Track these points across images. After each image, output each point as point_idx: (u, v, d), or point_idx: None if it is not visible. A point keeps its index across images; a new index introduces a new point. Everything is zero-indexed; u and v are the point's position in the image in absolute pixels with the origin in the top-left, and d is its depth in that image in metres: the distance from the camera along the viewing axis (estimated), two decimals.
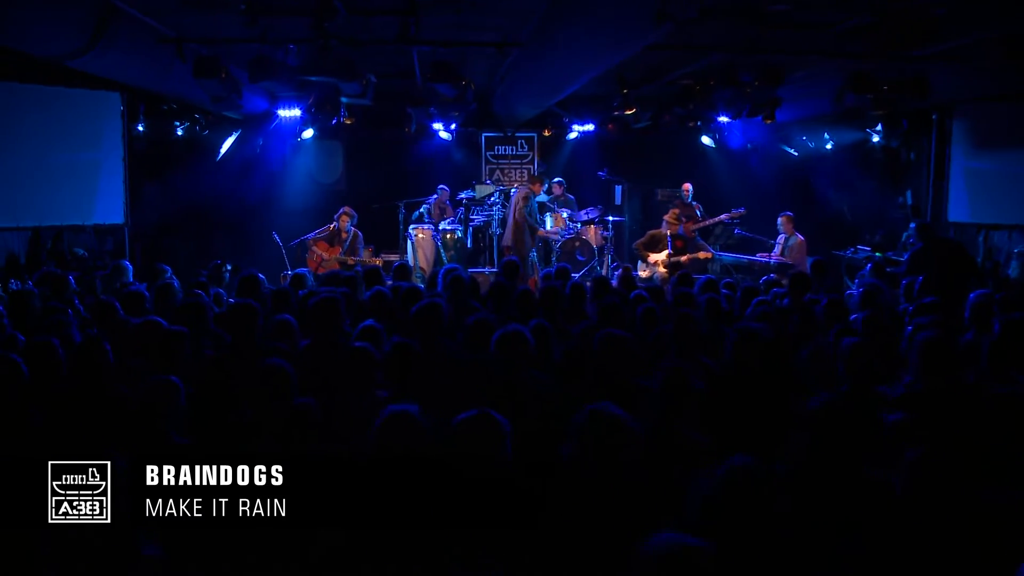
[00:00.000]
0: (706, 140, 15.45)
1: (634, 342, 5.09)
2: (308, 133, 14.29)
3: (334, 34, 6.78)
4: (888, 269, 9.67)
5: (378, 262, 11.72)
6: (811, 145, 15.21)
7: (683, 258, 11.27)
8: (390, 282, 8.97)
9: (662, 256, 11.48)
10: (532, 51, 8.44)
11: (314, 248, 11.63)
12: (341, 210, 11.79)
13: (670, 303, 8.43)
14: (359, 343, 4.88)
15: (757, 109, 9.04)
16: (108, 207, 11.01)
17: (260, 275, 7.48)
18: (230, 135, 14.27)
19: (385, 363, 4.53)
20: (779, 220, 11.76)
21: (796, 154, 15.36)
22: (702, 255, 11.43)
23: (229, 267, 9.33)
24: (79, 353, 4.73)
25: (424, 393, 4.37)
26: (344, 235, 11.71)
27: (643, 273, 11.68)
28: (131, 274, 9.45)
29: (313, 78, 7.18)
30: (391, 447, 3.36)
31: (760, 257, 11.72)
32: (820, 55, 8.36)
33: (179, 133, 13.98)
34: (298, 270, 8.97)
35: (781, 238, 11.79)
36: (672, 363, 4.31)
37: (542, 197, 13.97)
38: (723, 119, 13.66)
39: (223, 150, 14.28)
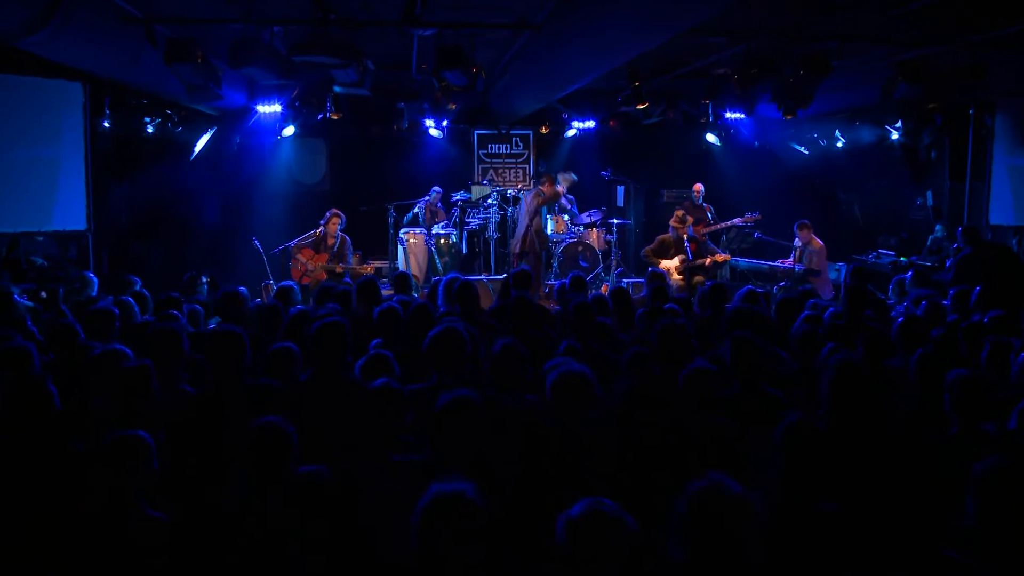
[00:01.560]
0: (711, 138, 14.60)
1: (721, 377, 4.19)
2: (289, 130, 13.34)
3: (332, 9, 5.82)
4: (934, 277, 8.83)
5: (368, 269, 10.76)
6: (823, 143, 14.41)
7: (705, 261, 10.38)
8: (387, 292, 8.02)
9: (675, 262, 10.59)
10: (548, 35, 7.53)
11: (298, 256, 10.63)
12: (329, 213, 10.80)
13: (701, 316, 7.59)
14: (379, 381, 3.92)
15: (798, 102, 8.17)
16: (69, 211, 9.91)
17: (242, 290, 6.51)
18: (205, 132, 13.25)
19: (436, 423, 3.51)
20: (795, 229, 10.92)
21: (807, 152, 14.55)
22: (719, 258, 10.55)
23: (205, 279, 8.31)
24: (13, 399, 3.73)
25: (461, 449, 3.44)
26: (331, 241, 10.73)
27: None
28: (96, 287, 8.44)
29: (308, 58, 6.21)
30: (445, 552, 2.42)
31: (782, 263, 10.87)
32: (870, 41, 7.51)
33: (150, 130, 12.96)
34: (284, 283, 7.98)
35: (798, 243, 10.95)
36: (795, 415, 3.38)
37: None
38: (733, 115, 12.88)
39: (197, 148, 13.30)
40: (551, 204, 11.51)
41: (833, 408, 4.12)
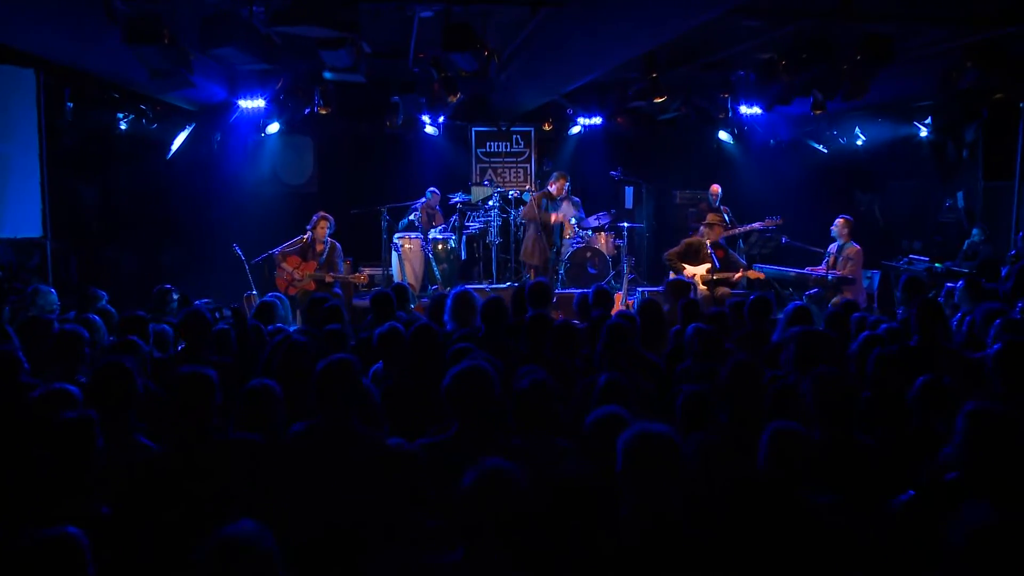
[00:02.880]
0: (724, 136, 13.73)
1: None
2: (274, 127, 12.39)
3: None
4: (986, 286, 7.92)
5: (362, 279, 9.80)
6: (842, 141, 13.54)
7: (734, 275, 9.46)
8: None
9: (701, 270, 9.66)
10: (571, 14, 6.60)
11: (283, 265, 9.65)
12: (316, 216, 9.83)
13: (741, 332, 6.69)
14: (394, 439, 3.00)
15: (852, 92, 7.24)
16: (22, 216, 8.83)
17: (206, 309, 5.58)
18: (182, 129, 12.27)
19: (466, 506, 2.58)
20: (835, 225, 10.01)
21: (826, 151, 13.68)
22: (752, 275, 9.63)
23: (177, 295, 7.34)
24: None
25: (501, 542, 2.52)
26: (320, 247, 9.76)
27: None
28: (55, 299, 7.44)
29: (292, 29, 5.24)
30: None
31: (814, 270, 9.96)
32: (931, 23, 6.61)
33: (123, 127, 11.99)
34: (268, 296, 7.03)
35: (834, 247, 10.05)
36: (974, 506, 2.46)
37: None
38: (750, 111, 12.00)
39: (174, 147, 12.34)
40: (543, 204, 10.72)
41: (972, 465, 3.21)
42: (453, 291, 6.78)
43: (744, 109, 12.07)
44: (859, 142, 13.43)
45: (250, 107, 11.46)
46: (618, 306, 10.44)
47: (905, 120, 12.35)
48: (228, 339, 5.85)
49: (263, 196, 13.00)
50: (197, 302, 7.37)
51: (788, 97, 8.17)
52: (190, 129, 12.28)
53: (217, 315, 6.55)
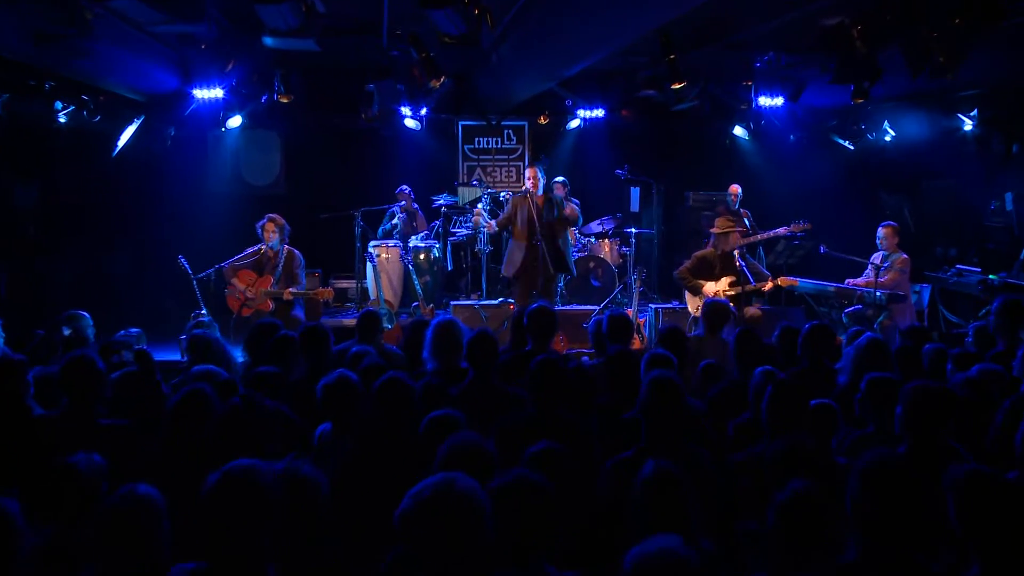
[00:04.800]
0: (739, 131, 12.31)
1: None
2: (235, 121, 10.97)
3: None
4: None
5: (327, 294, 8.32)
6: (870, 136, 12.14)
7: (764, 285, 8.05)
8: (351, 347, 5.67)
9: (722, 285, 8.25)
10: None
11: (234, 281, 8.18)
12: (263, 220, 8.38)
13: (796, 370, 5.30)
14: None
15: (945, 64, 5.81)
16: None
17: (98, 359, 4.16)
18: (130, 123, 10.77)
19: None
20: (880, 232, 8.64)
21: (852, 148, 12.29)
22: (783, 282, 8.22)
23: (68, 331, 5.86)
24: None
25: None
26: (274, 257, 8.31)
27: (696, 311, 8.45)
28: None
29: None
30: None
31: (859, 285, 8.54)
32: None
33: (62, 119, 10.47)
34: (197, 332, 5.59)
35: (877, 256, 8.66)
36: None
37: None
38: (770, 101, 10.58)
39: (121, 142, 10.80)
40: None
41: None
42: (434, 321, 5.38)
43: (764, 100, 10.68)
44: (887, 138, 12.03)
45: (207, 97, 9.98)
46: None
47: (946, 111, 10.95)
48: (132, 391, 4.42)
49: (224, 198, 11.57)
50: (119, 334, 5.91)
51: (847, 74, 6.77)
52: (139, 122, 10.79)
53: (116, 358, 5.18)
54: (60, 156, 10.66)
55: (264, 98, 9.62)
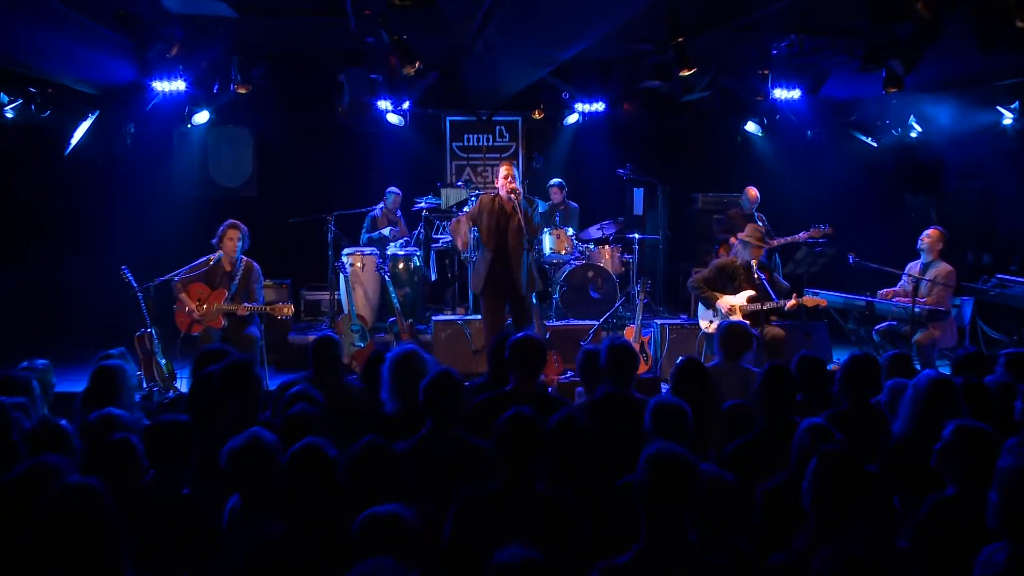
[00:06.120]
0: (751, 127, 11.31)
1: None
2: (202, 116, 10.00)
3: None
4: None
5: (286, 311, 7.28)
6: (895, 132, 11.13)
7: (787, 303, 7.03)
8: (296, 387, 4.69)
9: (740, 300, 7.24)
10: None
11: (183, 296, 7.17)
12: (224, 226, 7.38)
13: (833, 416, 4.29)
14: None
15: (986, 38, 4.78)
16: None
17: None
18: (84, 119, 9.80)
19: None
20: (924, 237, 7.62)
21: (876, 144, 11.28)
22: (809, 301, 7.19)
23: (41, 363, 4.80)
24: None
25: None
26: (230, 268, 7.31)
27: (708, 327, 7.45)
28: None
29: None
30: None
31: (895, 298, 7.51)
32: None
33: (8, 115, 9.49)
34: (109, 362, 4.60)
35: (915, 266, 7.64)
36: None
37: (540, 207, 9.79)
38: (787, 93, 9.59)
39: (74, 140, 9.85)
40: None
41: None
42: (391, 354, 4.41)
43: (780, 93, 9.70)
44: (914, 133, 11.01)
45: (168, 90, 9.04)
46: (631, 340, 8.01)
47: (982, 103, 9.91)
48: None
49: (191, 202, 10.60)
50: (21, 365, 4.90)
51: (880, 56, 5.77)
52: (93, 118, 9.84)
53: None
54: (5, 155, 9.73)
55: (232, 89, 8.63)
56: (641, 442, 3.23)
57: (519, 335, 4.54)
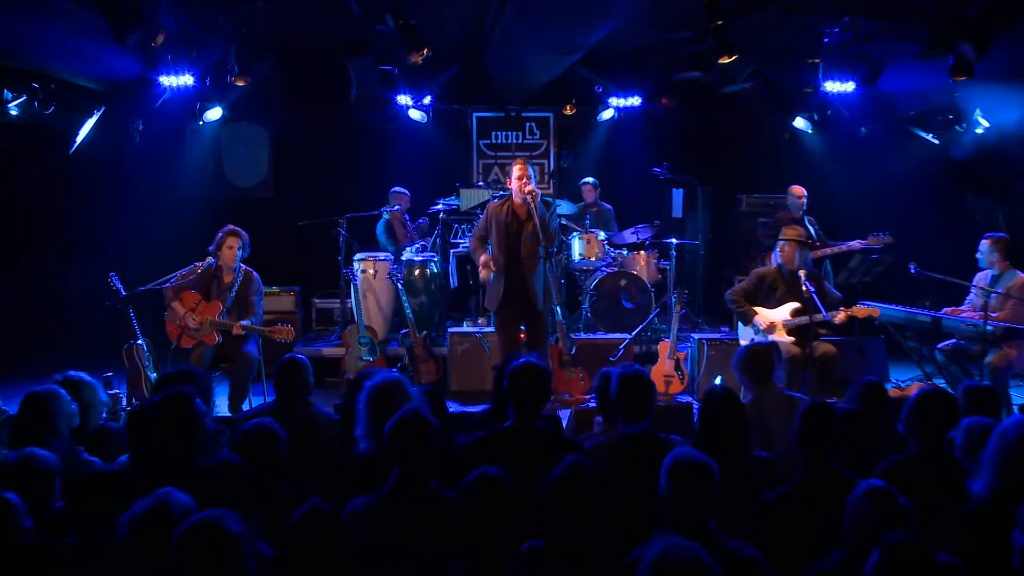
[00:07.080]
0: (800, 123, 10.49)
1: None
2: (215, 113, 9.48)
3: None
4: None
5: (285, 334, 6.59)
6: (958, 128, 10.24)
7: (837, 317, 6.23)
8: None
9: (784, 314, 6.46)
10: None
11: (174, 305, 6.59)
12: (222, 232, 6.79)
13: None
14: None
15: None
16: None
17: None
18: (89, 115, 9.34)
19: None
20: (983, 246, 6.78)
21: (937, 142, 10.39)
22: (860, 312, 6.38)
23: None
24: None
25: None
26: (227, 277, 6.72)
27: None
28: None
29: None
30: None
31: (971, 315, 6.65)
32: None
33: (13, 112, 9.07)
34: (38, 390, 3.99)
35: (984, 277, 6.79)
36: None
37: (565, 208, 9.10)
38: (840, 86, 8.82)
39: (79, 138, 9.39)
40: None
41: None
42: (369, 384, 3.76)
43: (832, 86, 8.94)
44: (979, 129, 10.12)
45: (176, 85, 8.55)
46: (663, 361, 7.27)
47: None
48: None
49: (203, 203, 10.16)
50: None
51: (950, 36, 5.03)
52: (99, 115, 9.37)
53: None
54: (9, 153, 9.45)
55: (229, 80, 8.11)
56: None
57: (519, 361, 3.84)
